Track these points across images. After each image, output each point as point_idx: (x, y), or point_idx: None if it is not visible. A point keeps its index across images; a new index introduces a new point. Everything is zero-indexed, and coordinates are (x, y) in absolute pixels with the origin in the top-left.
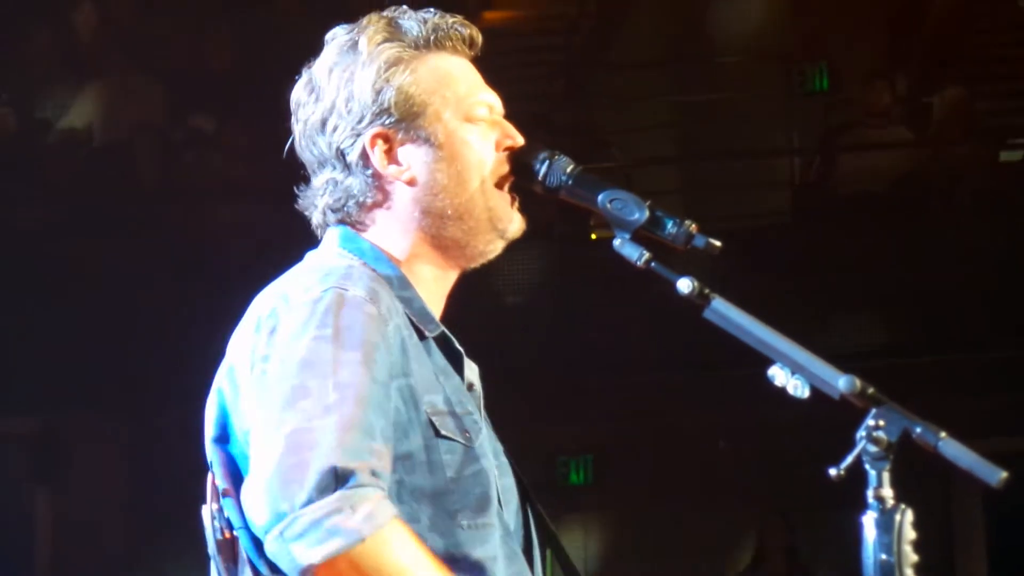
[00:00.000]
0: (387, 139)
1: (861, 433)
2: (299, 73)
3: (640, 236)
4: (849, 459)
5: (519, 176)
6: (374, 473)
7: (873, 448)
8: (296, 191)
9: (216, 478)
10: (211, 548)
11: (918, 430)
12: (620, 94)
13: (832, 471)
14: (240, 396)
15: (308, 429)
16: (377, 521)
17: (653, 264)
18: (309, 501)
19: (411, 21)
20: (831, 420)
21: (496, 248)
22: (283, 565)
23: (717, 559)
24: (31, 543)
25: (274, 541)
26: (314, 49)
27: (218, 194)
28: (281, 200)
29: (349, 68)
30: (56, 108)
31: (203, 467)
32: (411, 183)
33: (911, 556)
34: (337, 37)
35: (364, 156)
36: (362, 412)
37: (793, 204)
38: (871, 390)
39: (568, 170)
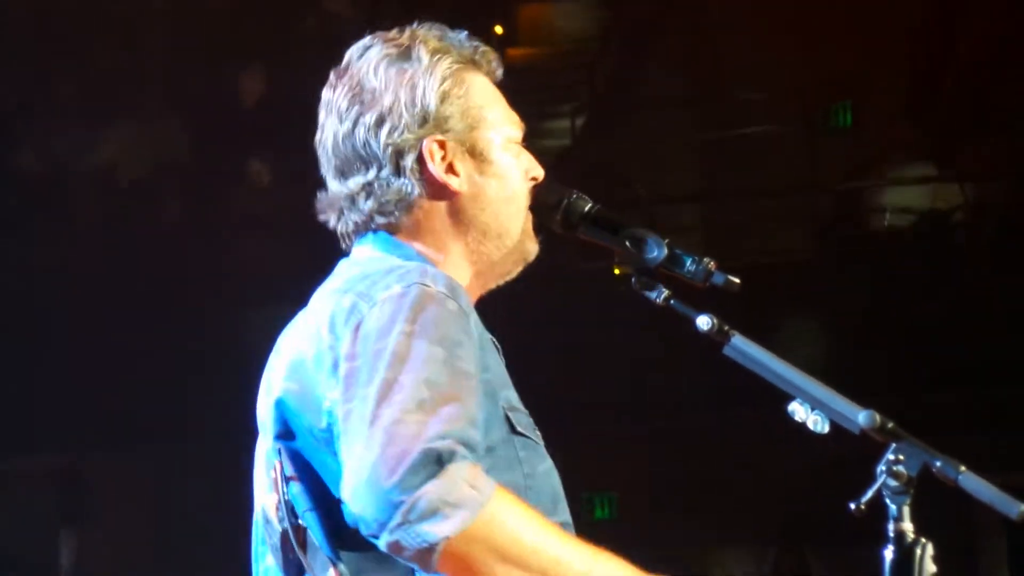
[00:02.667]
0: (443, 147)
1: (881, 468)
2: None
3: (659, 274)
4: (869, 494)
5: (539, 214)
6: (470, 449)
7: (893, 483)
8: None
9: (283, 468)
10: (272, 541)
11: (938, 464)
12: (642, 131)
13: (853, 506)
14: (314, 392)
15: (405, 422)
16: (488, 490)
17: (672, 302)
18: (421, 484)
19: (455, 37)
20: (852, 453)
21: (516, 271)
22: (410, 547)
23: None
24: None
25: (397, 529)
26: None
27: (242, 230)
28: (305, 236)
29: (408, 72)
30: (80, 147)
31: (228, 503)
32: (462, 194)
33: None
34: (375, 44)
35: (421, 160)
36: (454, 404)
37: (817, 241)
38: (891, 425)
39: (586, 209)
